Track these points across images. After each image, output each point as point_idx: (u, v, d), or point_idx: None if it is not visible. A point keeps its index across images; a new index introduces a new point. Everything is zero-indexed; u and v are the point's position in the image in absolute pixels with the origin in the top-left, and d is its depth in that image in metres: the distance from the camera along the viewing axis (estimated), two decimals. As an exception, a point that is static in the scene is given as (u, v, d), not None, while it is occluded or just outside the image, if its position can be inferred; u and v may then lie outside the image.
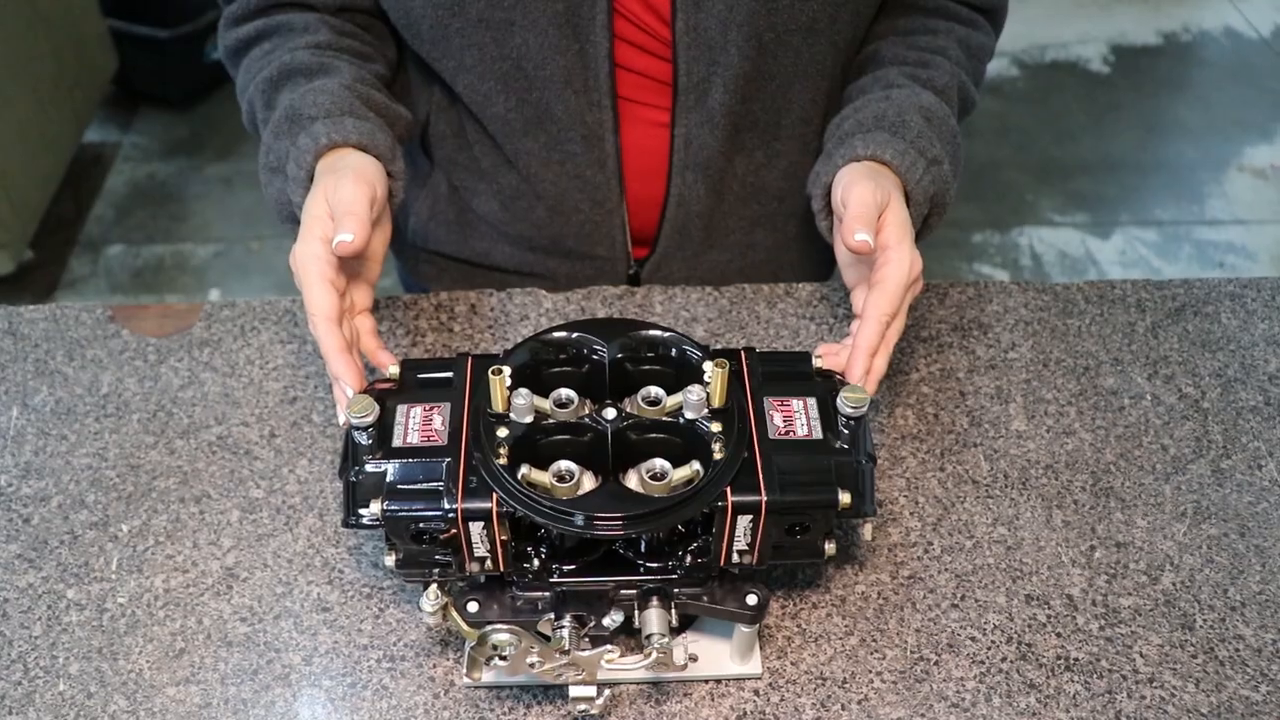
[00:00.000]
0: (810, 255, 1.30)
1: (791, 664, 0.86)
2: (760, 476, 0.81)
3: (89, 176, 3.23)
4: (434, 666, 0.87)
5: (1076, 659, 0.85)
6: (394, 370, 0.89)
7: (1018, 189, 3.23)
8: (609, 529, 0.76)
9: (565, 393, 0.86)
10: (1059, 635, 0.87)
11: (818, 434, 0.84)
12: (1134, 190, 3.30)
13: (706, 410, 0.83)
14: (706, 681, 0.86)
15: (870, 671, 0.85)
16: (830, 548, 0.86)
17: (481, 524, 0.79)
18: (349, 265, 0.89)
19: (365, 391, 0.86)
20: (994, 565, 0.92)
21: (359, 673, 0.86)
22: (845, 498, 0.81)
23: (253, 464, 0.99)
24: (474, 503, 0.79)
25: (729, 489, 0.80)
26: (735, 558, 0.84)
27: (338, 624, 0.88)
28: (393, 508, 0.79)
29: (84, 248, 3.03)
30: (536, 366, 0.87)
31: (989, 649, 0.86)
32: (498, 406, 0.82)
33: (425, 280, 1.30)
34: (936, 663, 0.85)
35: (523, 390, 0.82)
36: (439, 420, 0.84)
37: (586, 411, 0.85)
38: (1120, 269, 3.07)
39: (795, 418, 0.85)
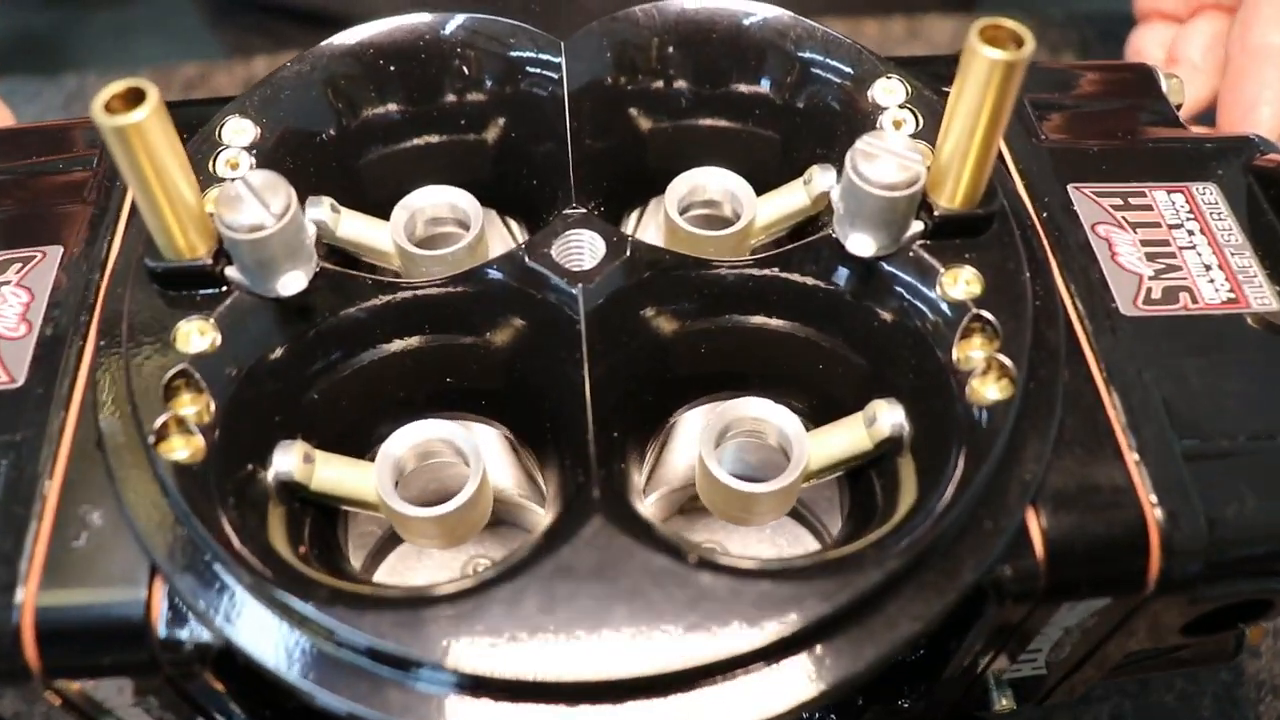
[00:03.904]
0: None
1: None
2: (1134, 464, 0.22)
3: (-58, 29, 2.57)
4: None
5: None
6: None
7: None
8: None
9: (435, 199, 0.27)
10: None
11: (1265, 298, 0.25)
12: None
13: (921, 227, 0.24)
14: None
15: None
16: (1258, 635, 0.28)
17: (126, 680, 0.21)
18: None
19: None
20: None
21: None
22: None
23: None
24: (58, 597, 0.20)
25: (1035, 509, 0.21)
26: (999, 702, 0.26)
27: None
28: None
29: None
30: (350, 135, 0.28)
31: None
32: (178, 248, 0.23)
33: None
34: None
35: (265, 181, 0.22)
36: (14, 307, 0.25)
37: (510, 250, 0.25)
38: None
39: (1178, 244, 0.26)
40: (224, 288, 0.23)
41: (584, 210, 0.25)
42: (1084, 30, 0.61)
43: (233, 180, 0.25)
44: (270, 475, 0.23)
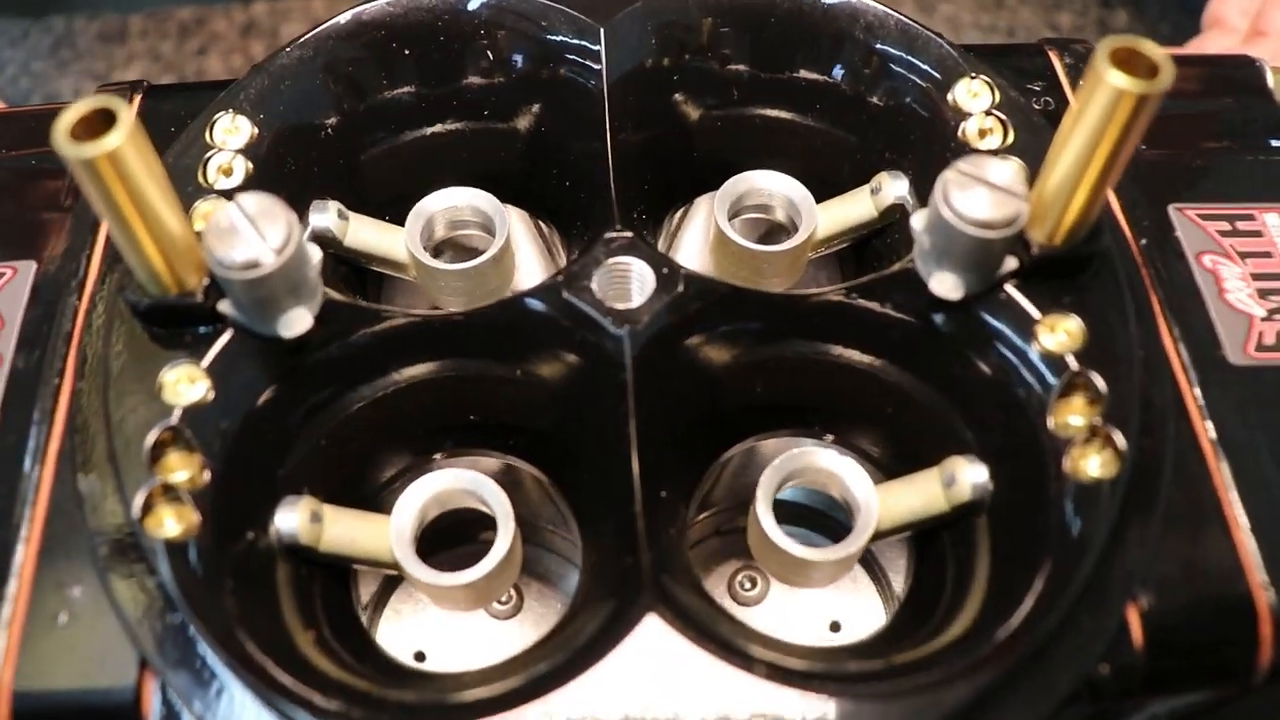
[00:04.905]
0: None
1: None
2: (1245, 541, 0.20)
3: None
4: None
5: None
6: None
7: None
8: None
9: (455, 200, 0.24)
10: None
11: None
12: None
13: (1014, 265, 0.21)
14: None
15: None
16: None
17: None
18: None
19: None
20: None
21: None
22: None
23: None
24: (36, 681, 0.18)
25: (1138, 605, 0.19)
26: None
27: None
28: None
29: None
30: (359, 129, 0.25)
31: None
32: (164, 283, 0.19)
33: None
34: None
35: (261, 207, 0.19)
36: (-20, 332, 0.22)
37: (548, 280, 0.22)
38: None
39: (1292, 278, 0.23)
40: (218, 324, 0.20)
41: (630, 235, 0.22)
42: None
43: (226, 194, 0.22)
44: (273, 536, 0.20)
